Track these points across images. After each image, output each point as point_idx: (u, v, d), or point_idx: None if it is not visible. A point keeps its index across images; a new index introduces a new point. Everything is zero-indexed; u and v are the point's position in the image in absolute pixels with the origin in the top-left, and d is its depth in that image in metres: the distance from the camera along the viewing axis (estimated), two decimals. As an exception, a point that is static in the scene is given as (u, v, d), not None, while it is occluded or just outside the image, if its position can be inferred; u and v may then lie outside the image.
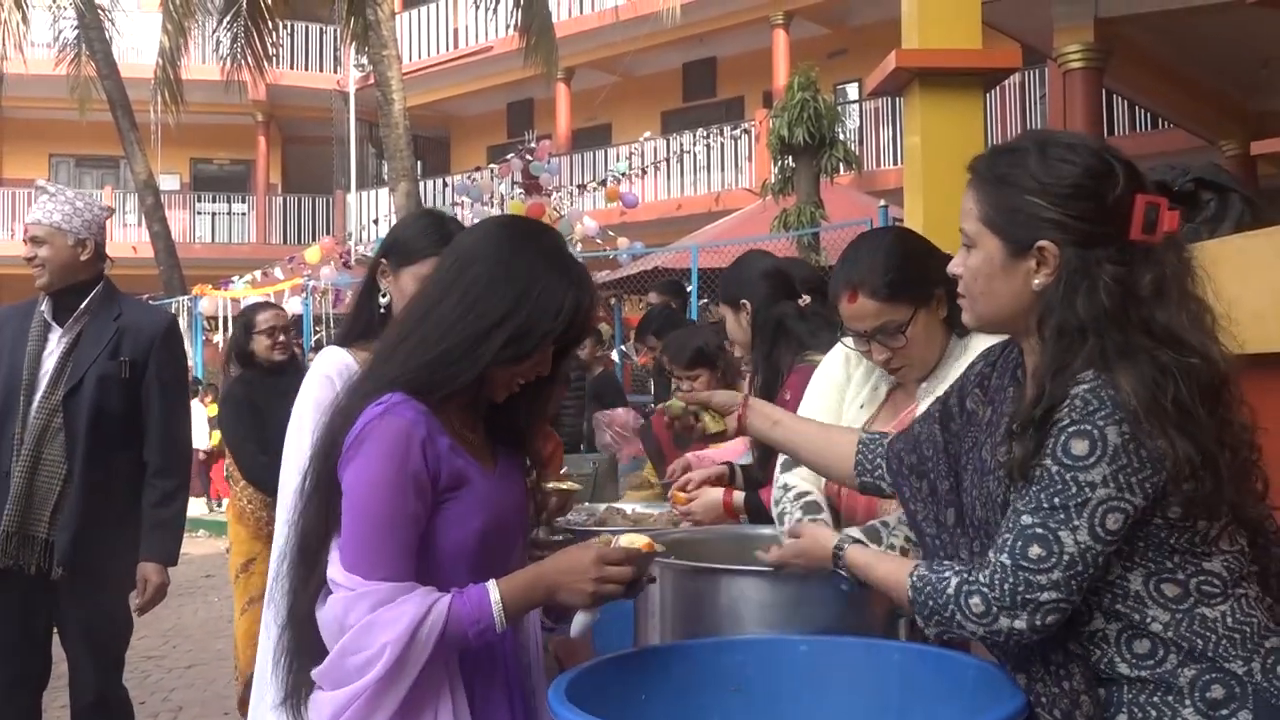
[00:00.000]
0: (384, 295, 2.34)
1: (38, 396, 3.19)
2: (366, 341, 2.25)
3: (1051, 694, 1.47)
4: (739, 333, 3.08)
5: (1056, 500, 1.40)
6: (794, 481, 2.27)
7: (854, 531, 1.92)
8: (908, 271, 2.08)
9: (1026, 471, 1.44)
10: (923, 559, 1.66)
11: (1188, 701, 1.43)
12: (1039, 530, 1.41)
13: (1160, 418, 1.38)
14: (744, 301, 3.03)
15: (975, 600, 1.44)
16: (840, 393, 2.32)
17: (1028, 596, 1.41)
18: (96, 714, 3.36)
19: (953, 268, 1.60)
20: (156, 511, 3.31)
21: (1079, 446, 1.39)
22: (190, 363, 14.08)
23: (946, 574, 1.50)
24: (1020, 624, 1.41)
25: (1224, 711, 1.42)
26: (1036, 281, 1.49)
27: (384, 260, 2.38)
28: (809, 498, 2.23)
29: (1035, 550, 1.41)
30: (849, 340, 2.22)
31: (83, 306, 3.26)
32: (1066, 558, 1.40)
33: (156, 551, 3.30)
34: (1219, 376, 1.44)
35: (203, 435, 12.35)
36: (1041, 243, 1.47)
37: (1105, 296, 1.43)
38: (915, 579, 1.52)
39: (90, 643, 3.33)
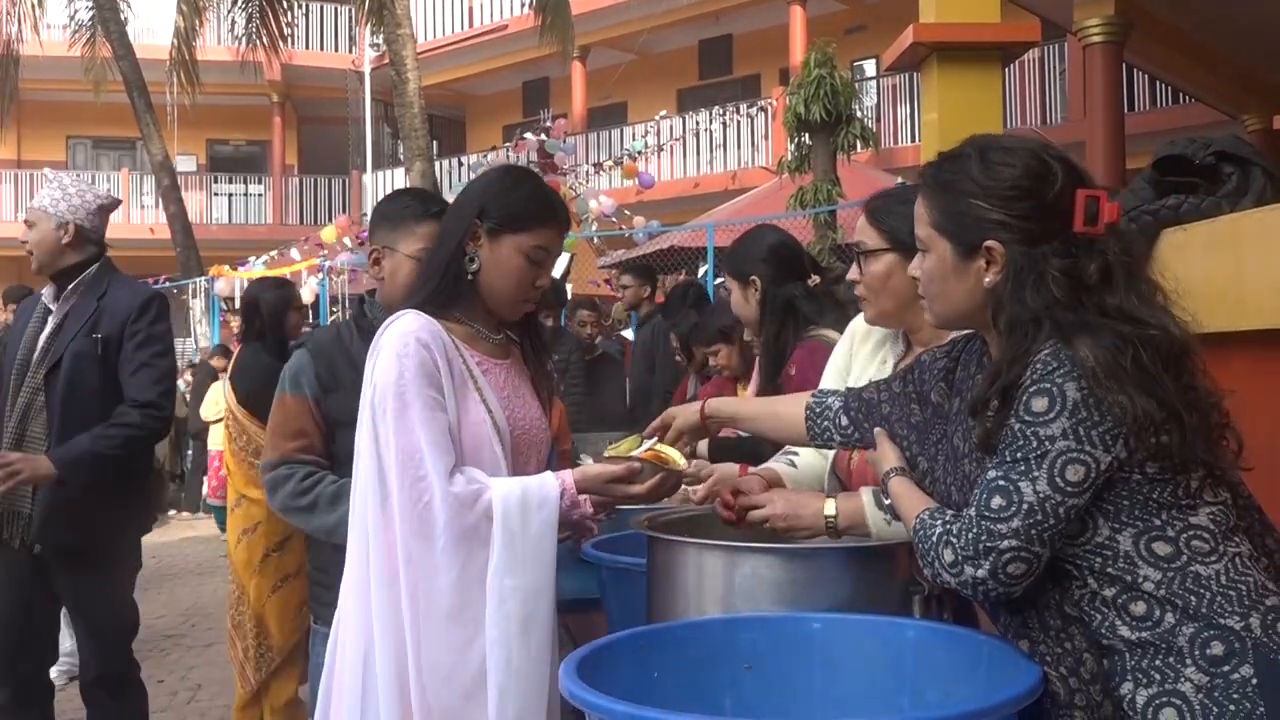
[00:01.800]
0: (472, 261, 2.12)
1: (28, 376, 3.30)
2: (452, 309, 2.13)
3: (1055, 654, 1.51)
4: (746, 309, 3.07)
5: (1019, 454, 1.47)
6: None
7: (865, 493, 1.91)
8: (905, 214, 2.08)
9: (992, 444, 1.52)
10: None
11: (1189, 661, 1.44)
12: (1000, 482, 1.48)
13: (1119, 377, 1.45)
14: (753, 278, 3.02)
15: (946, 551, 1.51)
16: (839, 376, 2.35)
17: (989, 545, 1.47)
18: (102, 691, 3.40)
19: (910, 271, 1.71)
20: (103, 429, 3.22)
21: (1039, 404, 1.47)
22: (206, 343, 14.14)
23: (937, 523, 1.55)
24: (982, 572, 1.47)
25: (1225, 668, 1.43)
26: (988, 279, 1.58)
27: (478, 222, 2.12)
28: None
29: (997, 500, 1.48)
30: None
31: (70, 288, 3.35)
32: (1025, 506, 1.46)
33: (64, 453, 3.19)
34: (1178, 346, 1.50)
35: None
36: (988, 243, 1.56)
37: (1054, 287, 1.52)
38: (918, 521, 1.58)
39: (86, 620, 3.38)
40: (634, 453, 2.04)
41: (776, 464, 2.37)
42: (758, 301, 3.01)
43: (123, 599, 3.45)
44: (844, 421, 1.90)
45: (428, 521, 1.93)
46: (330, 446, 2.47)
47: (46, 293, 3.41)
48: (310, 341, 2.57)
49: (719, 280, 9.83)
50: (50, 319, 3.35)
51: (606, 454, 2.06)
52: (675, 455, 2.06)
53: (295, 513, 2.42)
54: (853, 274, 2.19)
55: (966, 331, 1.74)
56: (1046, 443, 1.45)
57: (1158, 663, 1.46)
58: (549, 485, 2.01)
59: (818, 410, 1.94)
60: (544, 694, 1.94)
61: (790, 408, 1.99)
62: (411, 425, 1.95)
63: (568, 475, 2.05)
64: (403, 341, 2.00)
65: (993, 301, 1.57)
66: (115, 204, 3.56)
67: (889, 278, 2.14)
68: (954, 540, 1.50)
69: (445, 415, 1.99)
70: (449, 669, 1.93)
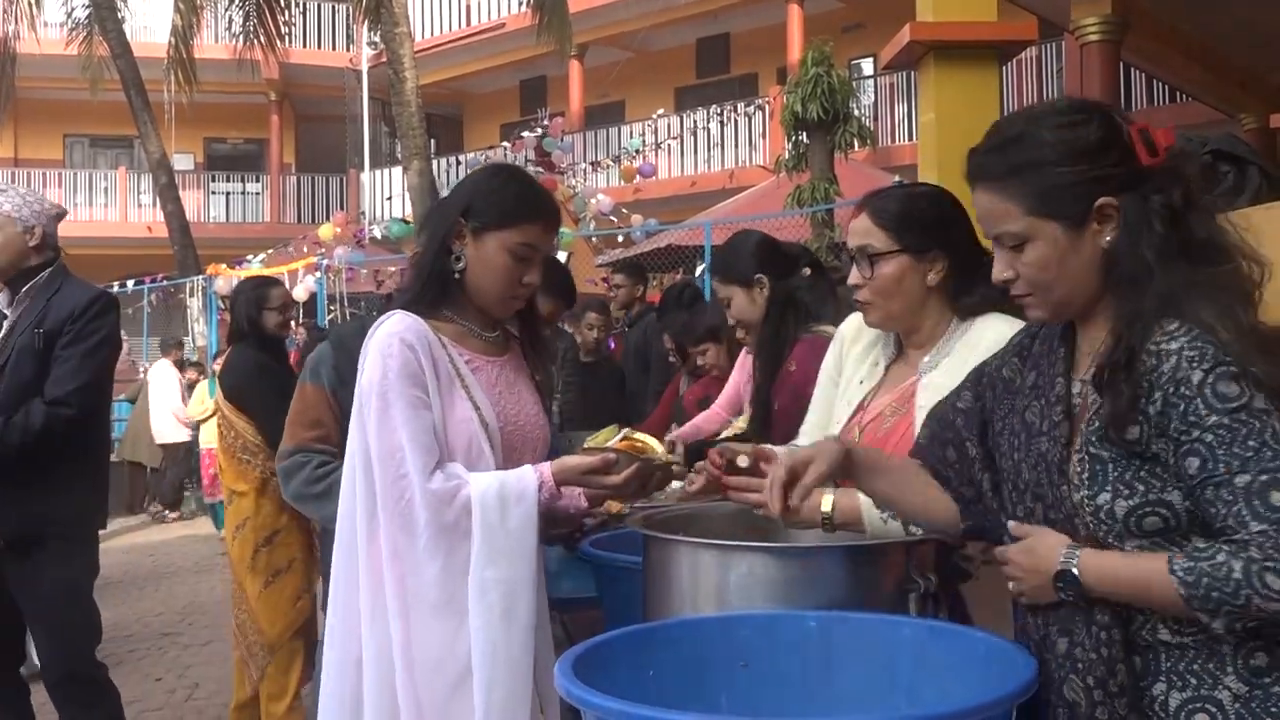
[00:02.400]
0: (458, 260, 2.13)
1: None
2: (441, 308, 2.15)
3: (1089, 659, 1.46)
4: (753, 310, 3.04)
5: (1251, 443, 1.36)
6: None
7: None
8: (916, 215, 2.08)
9: (1124, 422, 1.43)
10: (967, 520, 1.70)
11: (1230, 669, 1.41)
12: (1264, 477, 1.35)
13: (1257, 348, 1.40)
14: (759, 276, 2.99)
15: (1272, 577, 1.32)
16: (830, 377, 2.33)
17: None
18: (66, 692, 3.38)
19: (1001, 275, 1.57)
20: (3, 421, 3.22)
21: (1230, 388, 1.38)
22: (204, 342, 14.13)
23: (1219, 557, 1.36)
24: None
25: (1267, 679, 1.40)
26: (1106, 239, 1.51)
27: (463, 221, 2.14)
28: None
29: (1277, 495, 1.34)
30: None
31: (25, 289, 3.40)
32: None
33: None
34: (1250, 282, 1.47)
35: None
36: (1100, 201, 1.49)
37: (1161, 225, 1.46)
38: (1181, 573, 1.38)
39: (41, 617, 3.38)
40: (609, 443, 2.07)
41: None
42: (766, 300, 2.99)
43: (78, 596, 3.43)
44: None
45: (409, 518, 1.98)
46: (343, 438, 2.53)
47: (2, 297, 3.46)
48: (333, 333, 2.64)
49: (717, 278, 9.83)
50: (4, 322, 3.41)
51: (585, 445, 2.09)
52: (654, 445, 2.08)
53: (308, 500, 2.47)
54: (854, 278, 2.12)
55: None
56: (1264, 415, 1.36)
57: (1195, 667, 1.43)
58: (527, 479, 2.04)
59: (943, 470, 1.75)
60: (529, 684, 1.98)
61: (912, 468, 1.80)
62: (393, 424, 1.99)
63: (546, 468, 2.07)
64: (387, 342, 2.05)
65: (1107, 261, 1.51)
66: (64, 214, 3.66)
67: (901, 279, 2.07)
68: (1277, 558, 1.32)
69: (429, 414, 2.03)
70: (437, 660, 1.97)
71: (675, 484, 3.16)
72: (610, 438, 2.09)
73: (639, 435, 2.10)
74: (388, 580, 1.99)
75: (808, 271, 3.05)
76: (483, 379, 2.15)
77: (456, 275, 2.14)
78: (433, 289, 2.15)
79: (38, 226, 3.44)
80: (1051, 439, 1.53)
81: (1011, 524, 1.59)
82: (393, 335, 2.05)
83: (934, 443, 1.77)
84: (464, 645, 1.97)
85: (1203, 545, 1.40)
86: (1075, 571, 1.46)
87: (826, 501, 1.88)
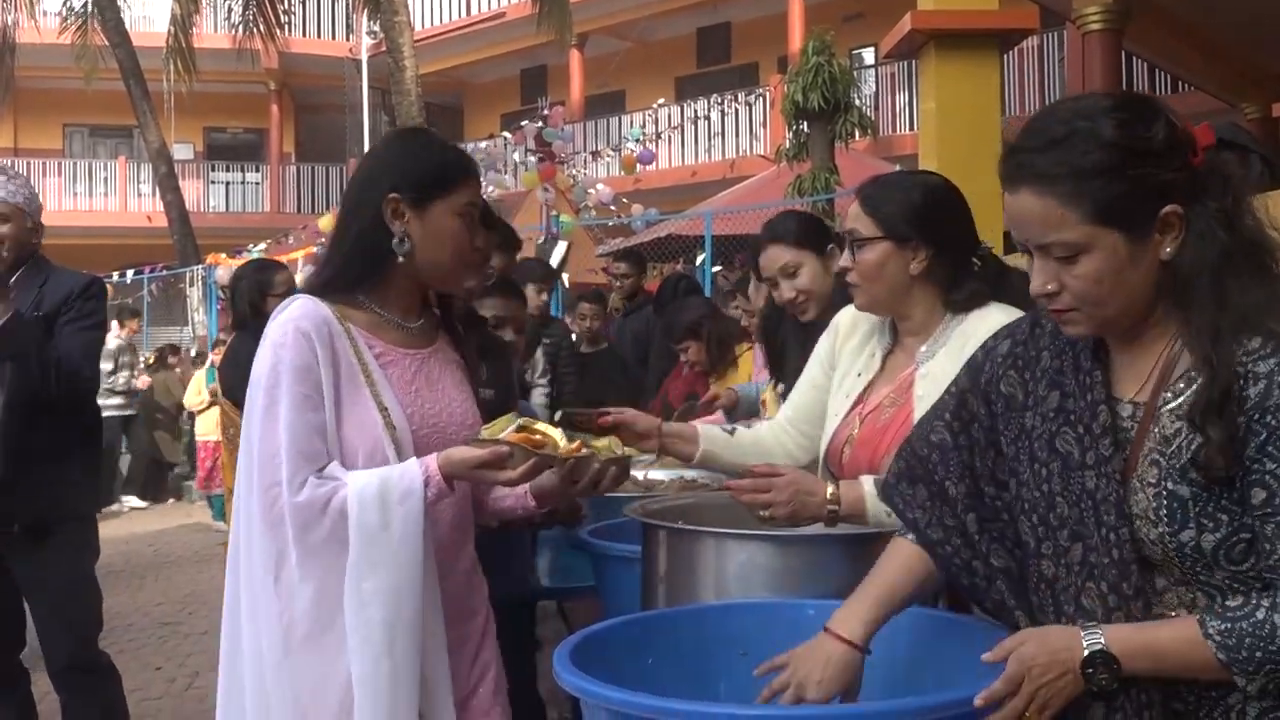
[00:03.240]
0: (403, 242, 1.90)
1: None
2: (357, 293, 1.94)
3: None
4: (825, 281, 2.75)
5: None
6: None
7: (866, 482, 1.90)
8: (903, 205, 2.08)
9: (1221, 460, 1.31)
10: (942, 573, 1.55)
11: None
12: None
13: None
14: (832, 247, 2.75)
15: None
16: (821, 364, 2.33)
17: None
18: (68, 679, 3.38)
19: (1042, 289, 1.41)
20: (23, 357, 3.17)
21: None
22: (204, 331, 14.14)
23: (1258, 614, 1.29)
24: None
25: None
26: (1166, 250, 1.37)
27: (397, 197, 1.91)
28: None
29: None
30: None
31: (13, 280, 3.35)
32: None
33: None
34: None
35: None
36: (1167, 209, 1.36)
37: (1223, 231, 1.35)
38: (1218, 635, 1.30)
39: (46, 605, 3.37)
40: (503, 434, 1.84)
41: (707, 426, 2.37)
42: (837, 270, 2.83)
43: (85, 581, 3.44)
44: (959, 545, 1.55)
45: (281, 533, 1.78)
46: None
47: None
48: None
49: (717, 268, 9.81)
50: None
51: (478, 436, 1.87)
52: (554, 435, 1.88)
53: None
54: (844, 261, 2.16)
55: (1021, 316, 1.56)
56: None
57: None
58: (411, 475, 1.81)
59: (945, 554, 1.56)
60: (415, 701, 1.80)
61: (904, 559, 1.61)
62: (275, 425, 1.79)
63: (432, 461, 1.83)
64: (282, 331, 1.83)
65: (1166, 275, 1.37)
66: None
67: (883, 266, 2.09)
68: None
69: (319, 414, 1.81)
70: (313, 691, 1.79)
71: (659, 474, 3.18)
72: (505, 428, 1.87)
73: (539, 425, 1.89)
74: (260, 604, 1.81)
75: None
76: (396, 375, 1.91)
77: (401, 259, 1.90)
78: (353, 271, 1.92)
79: (36, 221, 3.44)
80: (1102, 475, 1.39)
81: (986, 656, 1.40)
82: (288, 323, 1.83)
83: (901, 480, 1.62)
84: (343, 671, 1.78)
85: (1234, 604, 1.33)
86: (1106, 648, 1.33)
87: (829, 493, 1.88)
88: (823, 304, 2.75)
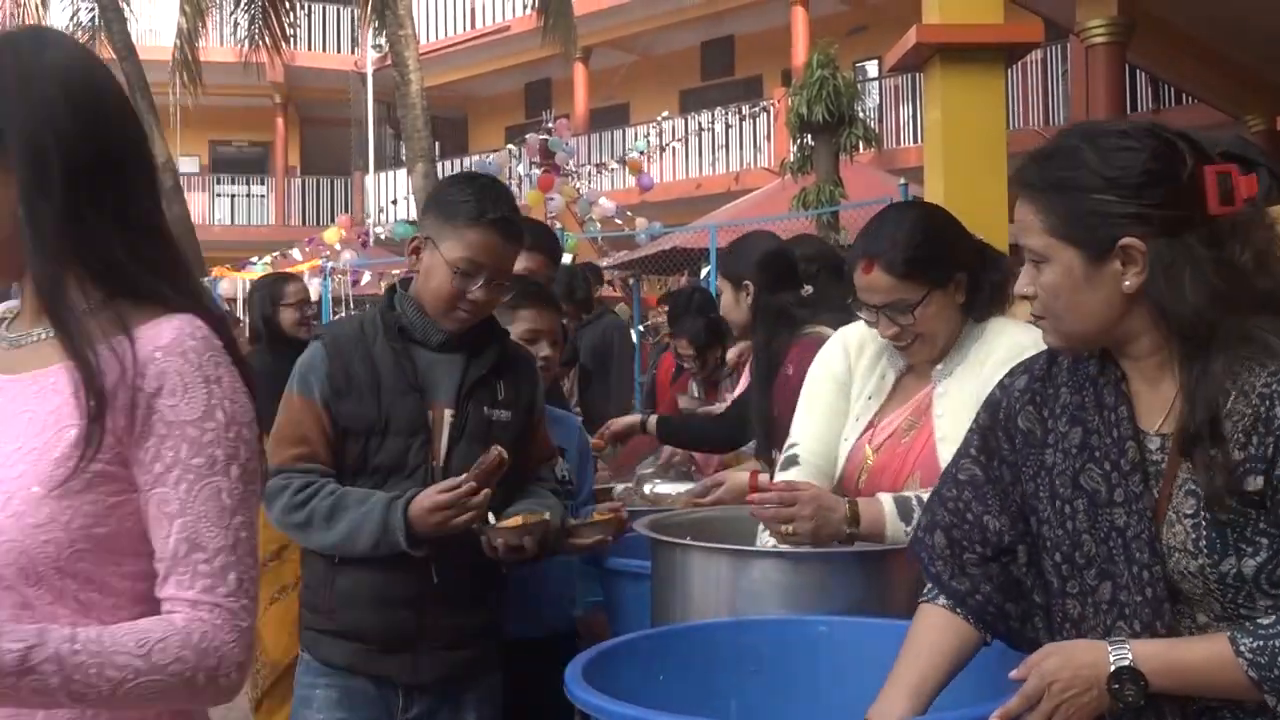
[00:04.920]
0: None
1: None
2: None
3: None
4: (736, 312, 3.03)
5: None
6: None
7: (886, 500, 1.89)
8: (928, 250, 2.03)
9: (1233, 491, 1.30)
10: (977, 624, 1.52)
11: None
12: None
13: None
14: (746, 282, 2.97)
15: None
16: (839, 386, 2.23)
17: None
18: None
19: (1021, 289, 1.46)
20: None
21: None
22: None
23: None
24: None
25: None
26: (1127, 283, 1.37)
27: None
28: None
29: None
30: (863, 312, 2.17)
31: None
32: None
33: None
34: None
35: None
36: (1124, 241, 1.36)
37: (1214, 279, 1.33)
38: (1250, 653, 1.28)
39: None
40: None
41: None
42: (749, 306, 2.98)
43: None
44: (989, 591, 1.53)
45: None
46: (340, 455, 2.19)
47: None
48: (327, 335, 2.29)
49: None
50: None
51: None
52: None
53: (292, 529, 2.19)
54: (887, 330, 2.06)
55: (1043, 350, 1.54)
56: None
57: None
58: None
59: (974, 605, 1.53)
60: None
61: (934, 637, 1.56)
62: None
63: None
64: None
65: (1146, 307, 1.37)
66: None
67: (941, 314, 2.04)
68: None
69: None
70: None
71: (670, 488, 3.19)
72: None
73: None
74: None
75: (809, 290, 3.02)
76: None
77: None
78: None
79: None
80: (1133, 512, 1.38)
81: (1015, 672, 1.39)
82: None
83: (926, 532, 1.58)
84: None
85: (1266, 622, 1.31)
86: (1134, 664, 1.31)
87: (848, 510, 1.87)
88: (740, 330, 3.09)
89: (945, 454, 1.99)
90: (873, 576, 1.81)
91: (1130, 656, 1.32)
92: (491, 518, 2.08)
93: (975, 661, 1.59)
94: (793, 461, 2.22)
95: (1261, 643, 1.28)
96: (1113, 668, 1.32)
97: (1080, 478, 1.43)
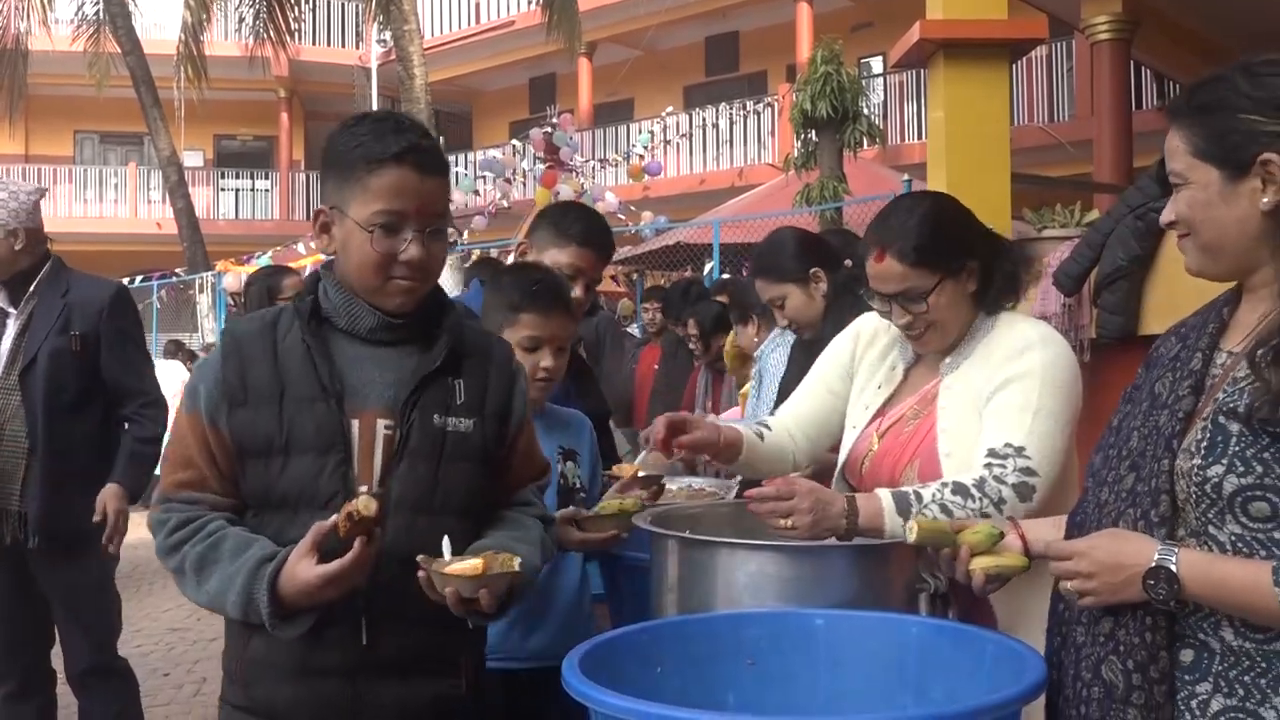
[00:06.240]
0: None
1: None
2: None
3: (1132, 642, 1.43)
4: (812, 308, 2.95)
5: None
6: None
7: (884, 496, 1.90)
8: (940, 239, 2.03)
9: (1275, 407, 1.34)
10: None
11: None
12: None
13: None
14: (815, 270, 2.91)
15: None
16: (842, 371, 2.27)
17: None
18: (87, 684, 3.42)
19: (1165, 216, 1.53)
20: (138, 445, 3.40)
21: None
22: (212, 339, 14.18)
23: None
24: None
25: None
26: (1265, 200, 1.42)
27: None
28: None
29: None
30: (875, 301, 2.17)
31: (31, 289, 3.35)
32: None
33: (124, 476, 3.35)
34: None
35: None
36: (1265, 156, 1.41)
37: None
38: None
39: (72, 612, 3.40)
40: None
41: (744, 428, 2.28)
42: (824, 295, 2.92)
43: (107, 589, 3.49)
44: None
45: None
46: (237, 483, 1.73)
47: (1, 295, 3.36)
48: (229, 331, 1.84)
49: (725, 276, 9.81)
50: (10, 321, 3.34)
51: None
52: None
53: (172, 574, 1.77)
54: (900, 317, 2.07)
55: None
56: None
57: (1246, 679, 1.38)
58: None
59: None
60: None
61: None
62: None
63: None
64: None
65: (1275, 227, 1.42)
66: (44, 192, 3.56)
67: (953, 303, 2.06)
68: None
69: None
70: None
71: (678, 483, 3.17)
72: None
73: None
74: None
75: (849, 263, 2.96)
76: None
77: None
78: None
79: (20, 229, 3.31)
80: (1171, 411, 1.47)
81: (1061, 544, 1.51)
82: None
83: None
84: None
85: None
86: (1174, 568, 1.37)
87: (846, 504, 1.87)
88: (814, 326, 2.94)
89: (944, 444, 2.01)
90: (870, 570, 1.81)
91: (1175, 559, 1.38)
92: (447, 549, 1.64)
93: (976, 662, 1.59)
94: (764, 426, 2.29)
95: None
96: (1154, 564, 1.39)
97: (1157, 384, 1.53)
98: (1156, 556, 1.39)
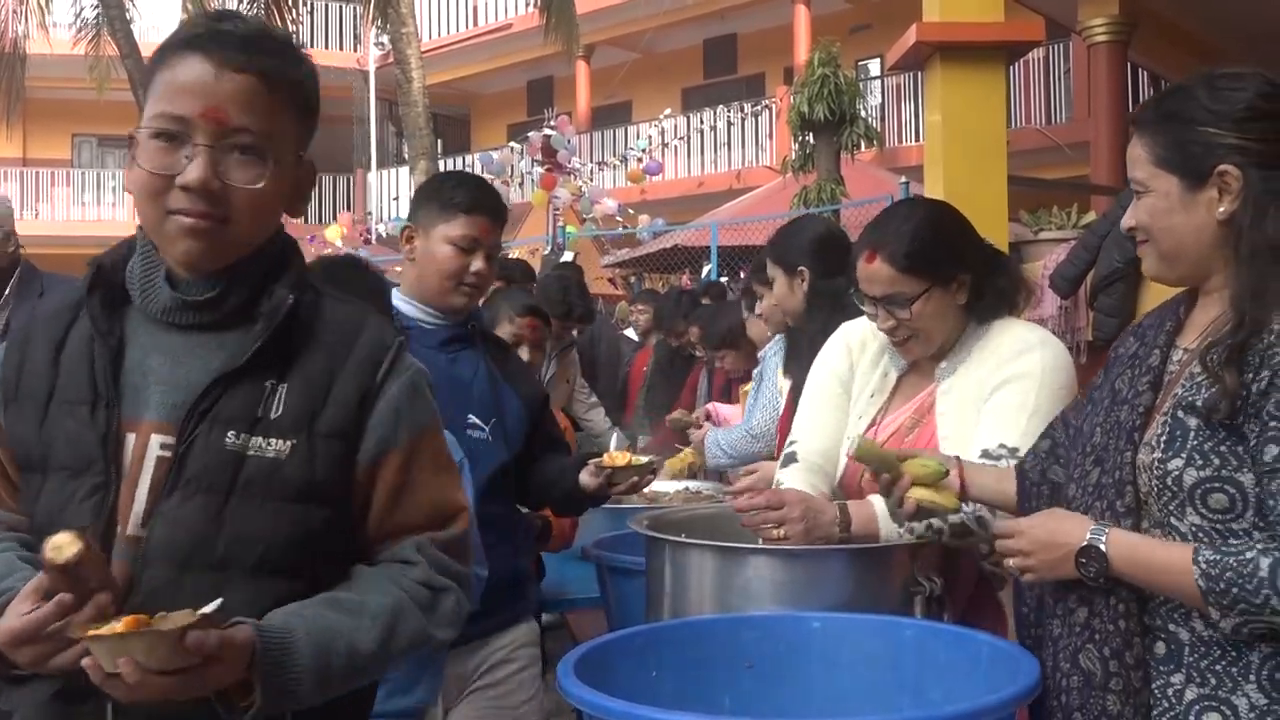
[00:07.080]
0: None
1: None
2: None
3: (1106, 630, 1.47)
4: (792, 299, 2.92)
5: None
6: (789, 481, 2.16)
7: (877, 502, 1.89)
8: (933, 247, 2.03)
9: (1234, 401, 1.38)
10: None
11: (1252, 677, 1.40)
12: None
13: None
14: (801, 269, 2.89)
15: None
16: (842, 383, 2.23)
17: None
18: None
19: (1125, 222, 1.59)
20: None
21: None
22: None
23: (1249, 554, 1.35)
24: None
25: None
26: (1221, 209, 1.47)
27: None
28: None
29: None
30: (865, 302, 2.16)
31: (6, 293, 3.33)
32: None
33: None
34: None
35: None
36: (1221, 167, 1.46)
37: None
38: (1204, 564, 1.36)
39: None
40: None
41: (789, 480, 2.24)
42: (804, 293, 2.91)
43: None
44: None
45: None
46: (22, 499, 1.34)
47: None
48: (33, 312, 1.48)
49: (723, 279, 9.81)
50: None
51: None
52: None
53: None
54: (885, 322, 2.07)
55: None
56: None
57: (1218, 667, 1.42)
58: None
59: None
60: None
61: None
62: None
63: None
64: None
65: (1229, 234, 1.46)
66: (9, 205, 3.54)
67: (940, 312, 2.06)
68: None
69: None
70: None
71: (673, 484, 3.18)
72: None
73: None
74: None
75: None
76: None
77: None
78: None
79: (12, 231, 3.33)
80: (1131, 406, 1.52)
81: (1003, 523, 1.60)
82: None
83: (1036, 474, 1.71)
84: None
85: (1235, 543, 1.39)
86: (1103, 547, 1.45)
87: (839, 512, 1.86)
88: (795, 318, 2.94)
89: (946, 451, 1.99)
90: (865, 573, 1.81)
91: (1104, 538, 1.46)
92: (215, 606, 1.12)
93: (972, 663, 1.59)
94: (791, 459, 2.20)
95: (1219, 557, 1.36)
96: (1085, 542, 1.47)
97: (1117, 381, 1.58)
98: (1088, 536, 1.47)
